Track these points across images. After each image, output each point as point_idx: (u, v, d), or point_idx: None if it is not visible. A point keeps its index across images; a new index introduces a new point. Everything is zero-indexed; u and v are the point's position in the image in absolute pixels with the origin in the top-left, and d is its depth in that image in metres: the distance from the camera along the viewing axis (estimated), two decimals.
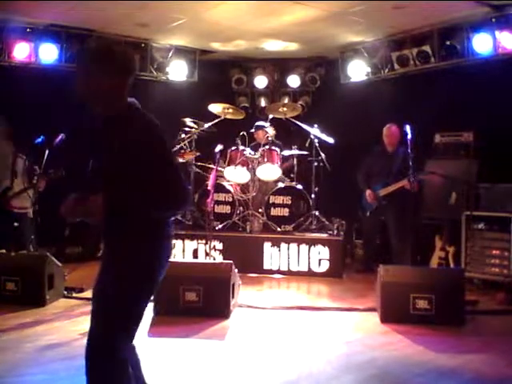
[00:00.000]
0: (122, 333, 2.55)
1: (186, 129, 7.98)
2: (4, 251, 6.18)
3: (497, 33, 7.05)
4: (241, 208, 7.92)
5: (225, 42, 8.85)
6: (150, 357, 4.07)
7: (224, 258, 7.11)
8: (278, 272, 7.48)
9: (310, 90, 10.07)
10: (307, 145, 7.99)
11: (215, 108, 7.95)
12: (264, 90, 10.20)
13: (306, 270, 7.44)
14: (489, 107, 7.04)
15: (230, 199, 7.86)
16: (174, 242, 7.43)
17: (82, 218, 2.60)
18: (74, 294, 6.09)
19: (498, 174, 6.95)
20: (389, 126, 7.56)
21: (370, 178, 7.61)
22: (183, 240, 7.64)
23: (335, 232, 7.70)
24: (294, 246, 7.48)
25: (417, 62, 8.07)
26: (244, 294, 6.06)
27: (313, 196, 7.84)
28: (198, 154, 7.98)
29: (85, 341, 2.54)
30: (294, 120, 8.25)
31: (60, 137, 6.17)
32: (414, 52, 8.04)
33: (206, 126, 7.96)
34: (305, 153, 8.04)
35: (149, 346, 4.39)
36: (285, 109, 8.19)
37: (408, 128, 6.61)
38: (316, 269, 7.42)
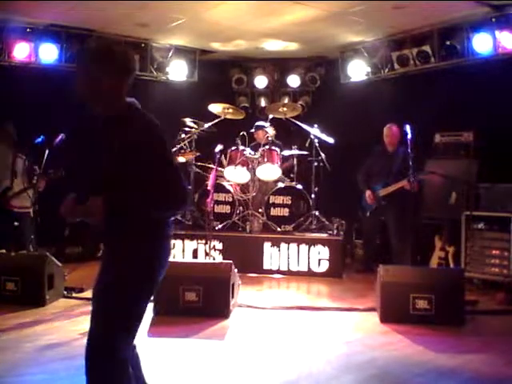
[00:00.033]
0: (122, 333, 2.54)
1: (186, 129, 7.98)
2: (4, 251, 6.19)
3: (497, 33, 7.05)
4: (241, 208, 7.92)
5: (225, 41, 8.85)
6: (150, 357, 4.07)
7: (224, 258, 7.11)
8: (278, 272, 7.48)
9: (310, 90, 10.08)
10: (307, 145, 7.99)
11: (215, 108, 7.95)
12: (264, 90, 10.20)
13: (305, 269, 7.44)
14: (489, 107, 7.04)
15: (230, 199, 7.86)
16: (173, 241, 7.49)
17: (81, 218, 2.60)
18: (74, 294, 6.09)
19: (498, 174, 6.96)
20: (389, 126, 7.57)
21: (370, 178, 7.61)
22: (183, 240, 7.64)
23: (335, 232, 7.70)
24: (293, 245, 7.48)
25: (417, 62, 8.07)
26: (244, 293, 6.06)
27: (313, 196, 7.84)
28: (197, 154, 7.98)
29: (85, 341, 2.54)
30: (293, 120, 8.25)
31: (60, 137, 6.17)
32: (414, 52, 8.04)
33: (206, 125, 7.96)
34: (305, 153, 8.04)
35: (148, 345, 4.39)
36: (285, 109, 8.19)
37: (408, 128, 6.62)
38: (316, 269, 7.42)
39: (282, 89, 10.22)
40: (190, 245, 7.64)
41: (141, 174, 2.51)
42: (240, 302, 5.80)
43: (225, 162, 7.88)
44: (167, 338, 4.71)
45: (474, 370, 4.05)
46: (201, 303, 5.31)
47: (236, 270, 5.65)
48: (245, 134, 8.06)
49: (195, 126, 8.01)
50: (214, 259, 7.28)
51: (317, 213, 7.81)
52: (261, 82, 9.99)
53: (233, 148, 7.85)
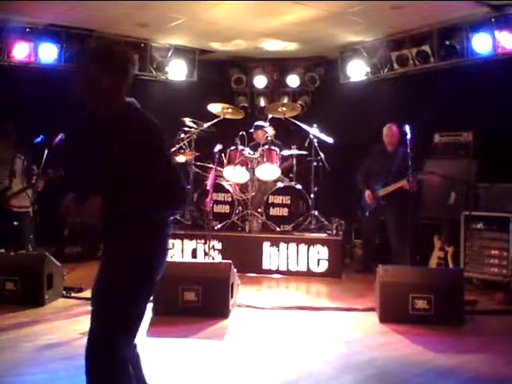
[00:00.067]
0: (122, 333, 2.55)
1: (186, 128, 7.98)
2: (3, 251, 6.18)
3: (496, 33, 7.05)
4: (240, 208, 7.92)
5: (224, 41, 8.85)
6: (149, 357, 4.06)
7: (223, 258, 7.11)
8: (277, 272, 7.48)
9: (309, 90, 10.08)
10: (306, 145, 7.99)
11: (214, 108, 7.95)
12: (263, 90, 10.20)
13: (305, 269, 7.44)
14: (488, 107, 7.04)
15: (229, 199, 7.86)
16: (172, 241, 7.52)
17: (80, 218, 2.60)
18: (73, 294, 6.09)
19: (498, 174, 6.96)
20: (389, 126, 7.57)
21: (369, 178, 7.61)
22: (182, 240, 7.64)
23: (334, 232, 7.70)
24: (293, 245, 7.48)
25: (416, 62, 8.07)
26: (243, 293, 6.05)
27: (312, 196, 7.84)
28: (197, 154, 7.97)
29: (84, 340, 2.54)
30: (293, 120, 8.25)
31: (59, 137, 6.17)
32: (413, 52, 8.04)
33: (206, 125, 7.96)
34: (304, 153, 8.04)
35: (148, 345, 4.38)
36: (284, 108, 8.18)
37: (407, 128, 6.61)
38: (315, 269, 7.42)
39: (281, 89, 10.22)
40: (189, 244, 7.64)
41: (140, 174, 2.51)
42: (239, 302, 5.80)
43: (224, 162, 7.87)
44: (166, 338, 4.71)
45: (474, 370, 4.05)
46: (200, 303, 5.31)
47: (235, 270, 5.65)
48: (244, 133, 8.06)
49: (194, 125, 8.01)
50: (213, 259, 7.28)
51: (316, 213, 7.81)
52: (260, 81, 9.99)
53: (232, 148, 7.85)
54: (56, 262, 6.01)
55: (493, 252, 6.63)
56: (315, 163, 7.93)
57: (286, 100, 9.93)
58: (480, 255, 6.73)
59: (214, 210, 7.64)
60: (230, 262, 5.54)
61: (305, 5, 6.94)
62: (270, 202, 7.82)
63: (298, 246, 7.47)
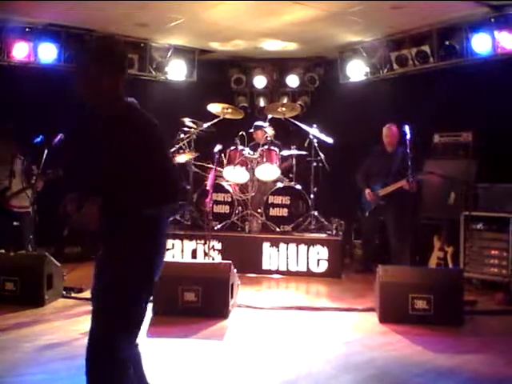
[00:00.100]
0: (123, 333, 2.55)
1: (185, 129, 7.97)
2: (3, 251, 6.18)
3: (496, 33, 7.05)
4: (240, 208, 7.92)
5: (224, 41, 8.85)
6: (149, 357, 4.06)
7: (223, 258, 7.11)
8: (277, 272, 7.48)
9: (309, 90, 10.08)
10: (306, 145, 7.99)
11: (214, 108, 7.94)
12: (263, 90, 10.20)
13: (304, 270, 7.44)
14: (488, 107, 7.04)
15: (229, 199, 7.86)
16: (172, 241, 7.52)
17: (79, 227, 2.60)
18: (73, 294, 6.09)
19: (497, 174, 6.96)
20: (389, 126, 7.56)
21: (369, 178, 7.61)
22: (182, 240, 7.64)
23: (334, 232, 7.71)
24: (292, 246, 7.48)
25: (416, 62, 8.07)
26: (243, 294, 6.05)
27: (312, 196, 7.84)
28: (196, 155, 7.96)
29: (84, 341, 2.55)
30: (292, 120, 8.24)
31: (59, 137, 6.17)
32: (412, 52, 8.04)
33: (205, 125, 7.95)
34: (304, 153, 8.04)
35: (148, 346, 4.38)
36: (284, 109, 8.18)
37: (407, 128, 6.62)
38: (315, 269, 7.42)
39: (280, 89, 10.21)
40: (189, 245, 7.64)
41: (140, 174, 2.52)
42: (239, 303, 5.80)
43: (224, 162, 7.87)
44: (166, 339, 4.71)
45: (473, 370, 4.06)
46: (200, 303, 5.31)
47: (235, 270, 5.65)
48: (244, 133, 8.06)
49: (194, 125, 8.01)
50: (213, 259, 7.28)
51: (316, 213, 7.81)
52: (260, 81, 9.99)
53: (232, 148, 7.85)
54: (56, 262, 6.01)
55: (492, 252, 6.63)
56: (315, 163, 7.93)
57: (285, 100, 9.92)
58: (480, 255, 6.73)
59: (214, 211, 7.64)
60: (230, 262, 5.54)
61: (304, 5, 6.94)
62: (269, 202, 7.82)
63: (297, 246, 7.47)
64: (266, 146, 7.86)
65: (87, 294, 5.67)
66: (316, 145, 7.89)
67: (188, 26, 7.98)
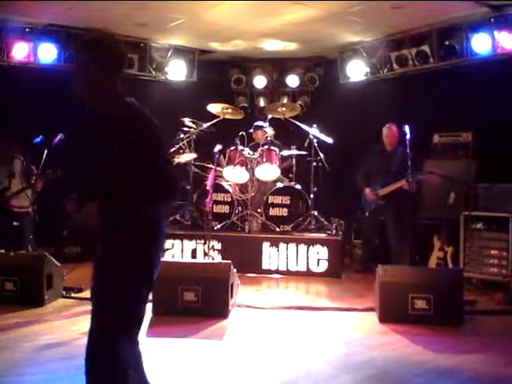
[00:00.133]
0: (123, 333, 2.55)
1: (185, 129, 7.97)
2: (3, 251, 6.18)
3: (495, 33, 7.06)
4: (239, 208, 7.92)
5: (224, 41, 8.85)
6: (149, 357, 4.05)
7: (223, 258, 7.11)
8: (277, 272, 7.48)
9: (308, 90, 10.08)
10: (306, 145, 7.99)
11: (214, 108, 7.94)
12: (263, 90, 10.20)
13: (304, 269, 7.44)
14: (488, 107, 7.05)
15: (229, 199, 7.86)
16: (172, 241, 7.52)
17: (79, 227, 2.60)
18: (73, 294, 6.09)
19: (497, 174, 6.96)
20: (389, 126, 7.56)
21: (368, 178, 7.61)
22: (182, 240, 7.63)
23: (334, 232, 7.71)
24: (292, 245, 7.48)
25: (416, 62, 8.07)
26: (242, 293, 6.05)
27: (311, 196, 7.84)
28: (195, 155, 7.96)
29: (84, 340, 2.55)
30: (292, 120, 8.25)
31: (59, 137, 6.18)
32: (412, 52, 8.04)
33: (205, 125, 7.96)
34: (304, 153, 8.04)
35: (147, 346, 4.37)
36: (284, 109, 8.18)
37: (407, 128, 6.63)
38: (315, 269, 7.42)
39: (280, 89, 10.22)
40: (189, 245, 7.63)
41: (139, 173, 2.52)
42: (239, 302, 5.80)
43: (224, 162, 7.87)
44: (166, 338, 4.71)
45: (473, 370, 4.06)
46: (199, 303, 5.31)
47: (235, 270, 5.65)
48: (244, 133, 8.06)
49: (194, 125, 8.01)
50: (212, 259, 7.27)
51: (315, 213, 7.81)
52: (260, 82, 9.99)
53: (232, 148, 7.85)
54: (56, 262, 6.01)
55: (492, 252, 6.64)
56: (315, 163, 7.93)
57: (285, 100, 9.92)
58: (479, 255, 6.73)
59: (214, 211, 7.64)
60: (230, 262, 5.54)
61: (304, 5, 6.94)
62: (269, 202, 7.82)
63: (297, 246, 7.47)
64: (266, 146, 7.86)
65: (87, 293, 5.67)
66: (316, 145, 7.89)
67: (188, 26, 7.98)
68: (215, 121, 7.94)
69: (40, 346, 4.44)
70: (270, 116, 8.30)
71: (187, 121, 7.98)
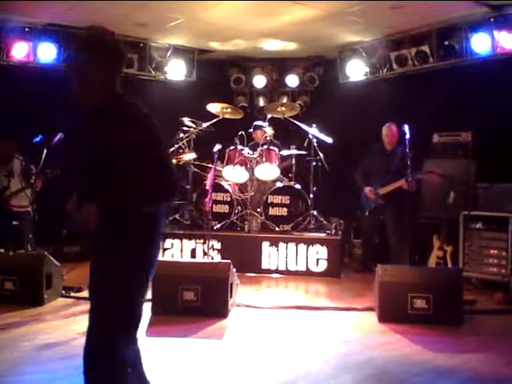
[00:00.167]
0: (122, 333, 2.55)
1: (185, 128, 7.98)
2: (2, 250, 6.18)
3: (495, 33, 7.06)
4: (239, 207, 7.91)
5: (223, 41, 8.85)
6: (148, 356, 4.05)
7: (222, 258, 7.10)
8: (276, 271, 7.48)
9: (308, 90, 10.08)
10: (305, 144, 7.99)
11: (214, 107, 7.94)
12: (262, 90, 10.20)
13: (304, 269, 7.44)
14: (487, 107, 7.05)
15: (229, 199, 7.86)
16: (172, 241, 7.52)
17: (78, 227, 2.60)
18: (72, 294, 6.09)
19: (497, 174, 6.96)
20: (389, 126, 7.56)
21: (368, 177, 7.61)
22: (181, 239, 7.63)
23: (333, 232, 7.71)
24: (292, 245, 7.48)
25: (415, 62, 8.07)
26: (242, 293, 6.05)
27: (311, 196, 7.84)
28: (195, 156, 7.96)
29: (83, 340, 2.54)
30: (292, 120, 8.24)
31: (58, 136, 6.18)
32: (412, 52, 8.05)
33: (205, 125, 7.96)
34: (303, 152, 8.04)
35: (147, 345, 4.37)
36: (283, 108, 8.17)
37: (406, 128, 6.63)
38: (314, 268, 7.42)
39: (280, 88, 10.22)
40: (189, 244, 7.63)
41: (139, 172, 2.51)
42: (238, 302, 5.80)
43: (223, 162, 7.87)
44: (165, 338, 4.71)
45: (473, 370, 4.06)
46: (199, 303, 5.31)
47: (234, 270, 5.65)
48: (243, 133, 8.06)
49: (193, 125, 8.01)
50: (212, 259, 7.27)
51: (315, 212, 7.81)
52: (259, 81, 9.98)
53: (231, 148, 7.85)
54: (55, 262, 6.00)
55: (492, 252, 6.64)
56: (314, 163, 7.94)
57: (285, 100, 9.92)
58: (479, 255, 6.74)
59: (213, 210, 7.64)
60: (229, 261, 5.54)
61: (304, 5, 6.94)
62: (269, 201, 7.81)
63: (297, 245, 7.47)
64: (266, 146, 7.85)
65: (86, 293, 5.60)
66: (315, 144, 7.89)
67: (188, 26, 7.98)
68: (215, 120, 7.94)
69: (39, 345, 4.44)
70: (269, 116, 8.30)
71: (187, 120, 7.98)
